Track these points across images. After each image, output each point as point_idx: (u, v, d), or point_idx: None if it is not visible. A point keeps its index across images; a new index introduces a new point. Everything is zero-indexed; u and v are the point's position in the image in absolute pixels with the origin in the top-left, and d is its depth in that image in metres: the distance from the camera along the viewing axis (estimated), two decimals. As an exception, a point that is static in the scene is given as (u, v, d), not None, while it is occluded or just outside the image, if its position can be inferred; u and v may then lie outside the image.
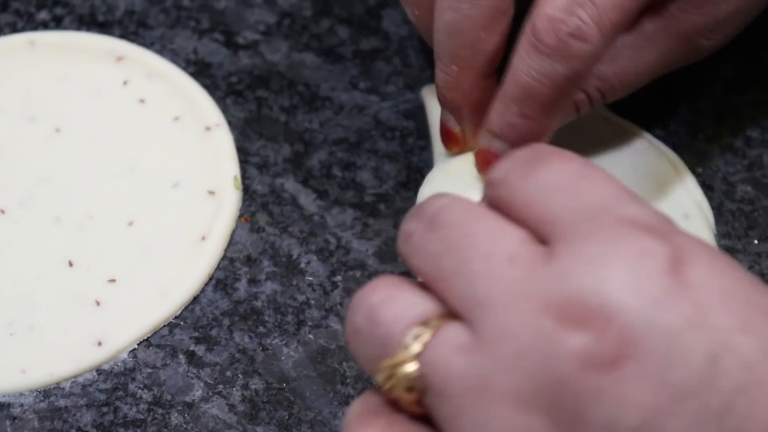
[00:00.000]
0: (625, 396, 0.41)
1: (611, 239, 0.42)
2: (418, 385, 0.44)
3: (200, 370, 0.60)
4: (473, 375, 0.42)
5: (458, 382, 0.43)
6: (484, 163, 0.59)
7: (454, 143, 0.61)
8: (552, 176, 0.45)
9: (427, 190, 0.62)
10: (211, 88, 0.70)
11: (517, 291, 0.43)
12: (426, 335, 0.44)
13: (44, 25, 0.72)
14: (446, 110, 0.60)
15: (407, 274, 0.62)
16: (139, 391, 0.60)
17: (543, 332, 0.42)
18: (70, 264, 0.64)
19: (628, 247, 0.42)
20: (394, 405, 0.45)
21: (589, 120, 0.65)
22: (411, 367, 0.44)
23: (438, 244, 0.45)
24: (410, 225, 0.47)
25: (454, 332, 0.43)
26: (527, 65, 0.55)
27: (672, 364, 0.40)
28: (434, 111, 0.65)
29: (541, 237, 0.44)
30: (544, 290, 0.42)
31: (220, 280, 0.63)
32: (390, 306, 0.45)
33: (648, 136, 0.66)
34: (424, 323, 0.44)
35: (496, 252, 0.44)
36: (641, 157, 0.65)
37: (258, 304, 0.62)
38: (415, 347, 0.44)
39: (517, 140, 0.57)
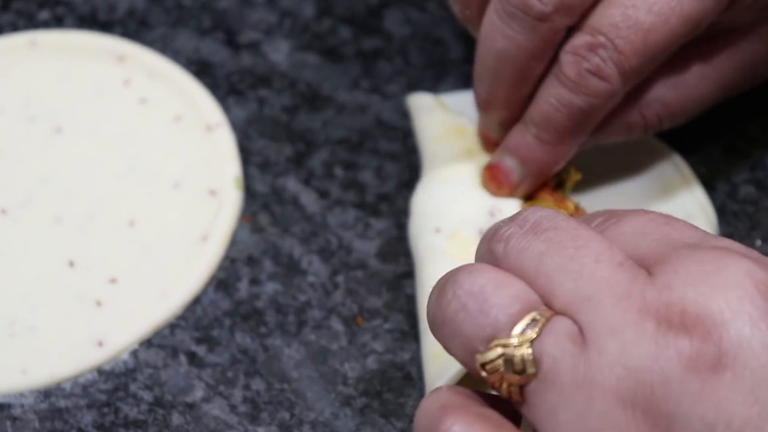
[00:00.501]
0: (721, 403, 0.42)
1: (710, 260, 0.44)
2: (530, 370, 0.45)
3: (201, 371, 0.60)
4: (581, 366, 0.44)
5: (567, 372, 0.44)
6: (491, 178, 0.61)
7: (494, 148, 0.62)
8: (635, 226, 0.47)
9: (421, 198, 0.62)
10: (213, 87, 0.69)
11: (624, 292, 0.44)
12: (541, 321, 0.45)
13: (45, 25, 0.72)
14: (485, 121, 0.62)
15: (409, 275, 0.62)
16: (140, 391, 0.60)
17: (647, 333, 0.43)
18: (71, 264, 0.63)
19: (727, 268, 0.44)
20: (478, 397, 0.47)
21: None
22: (527, 350, 0.45)
23: (543, 244, 0.46)
24: (507, 229, 0.48)
25: (564, 323, 0.45)
26: (548, 92, 0.58)
27: (765, 381, 0.42)
28: (421, 119, 0.65)
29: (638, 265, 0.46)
30: (647, 296, 0.44)
31: (222, 281, 0.63)
32: (501, 289, 0.46)
33: (651, 137, 0.65)
34: (537, 310, 0.45)
35: (605, 257, 0.45)
36: (644, 158, 0.65)
37: (259, 304, 0.62)
38: (530, 332, 0.45)
39: (529, 161, 0.60)
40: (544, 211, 0.48)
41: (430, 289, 0.59)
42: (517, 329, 0.45)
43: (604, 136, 0.61)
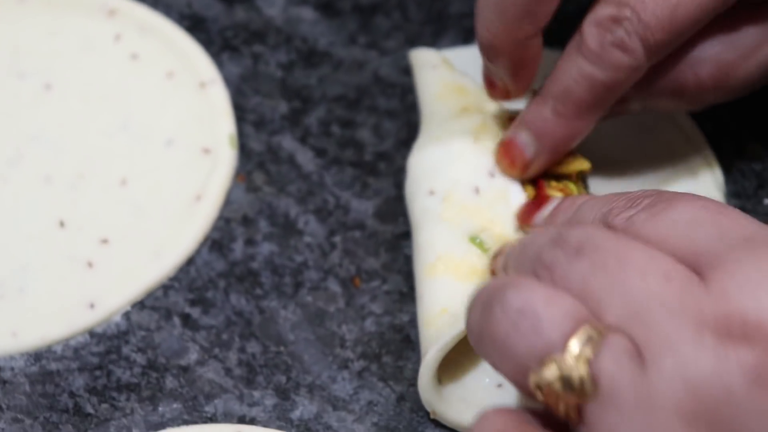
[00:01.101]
0: None
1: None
2: (588, 389, 0.43)
3: (195, 333, 0.60)
4: (640, 384, 0.43)
5: (627, 390, 0.43)
6: (505, 154, 0.59)
7: (499, 94, 0.60)
8: (687, 213, 0.46)
9: (416, 159, 0.61)
10: (206, 43, 0.68)
11: (676, 306, 0.43)
12: (596, 338, 0.44)
13: (34, -21, 0.71)
14: (489, 64, 0.59)
15: (408, 235, 0.61)
16: (133, 354, 0.59)
17: (706, 346, 0.42)
18: (61, 224, 0.62)
19: None
20: (532, 419, 0.46)
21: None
22: (584, 369, 0.43)
23: (587, 267, 0.45)
24: (550, 256, 0.47)
25: (620, 340, 0.43)
26: (569, 65, 0.56)
27: None
28: (422, 76, 0.64)
29: (689, 266, 0.45)
30: (703, 307, 0.43)
31: (216, 241, 0.62)
32: (552, 306, 0.45)
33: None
34: (591, 326, 0.44)
35: (650, 270, 0.44)
36: (648, 116, 0.64)
37: (255, 265, 0.61)
38: (586, 350, 0.43)
39: (545, 136, 0.58)
40: (584, 231, 0.47)
41: (426, 252, 0.58)
42: (573, 347, 0.44)
43: (652, 99, 0.58)
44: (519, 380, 0.45)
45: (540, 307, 0.45)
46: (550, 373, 0.44)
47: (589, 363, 0.43)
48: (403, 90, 0.67)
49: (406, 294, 0.60)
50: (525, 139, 0.58)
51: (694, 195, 0.47)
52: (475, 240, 0.57)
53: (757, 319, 0.42)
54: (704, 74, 0.57)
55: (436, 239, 0.58)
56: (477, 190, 0.59)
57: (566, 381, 0.43)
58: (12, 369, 0.59)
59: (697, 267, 0.44)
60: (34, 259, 0.61)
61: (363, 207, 0.63)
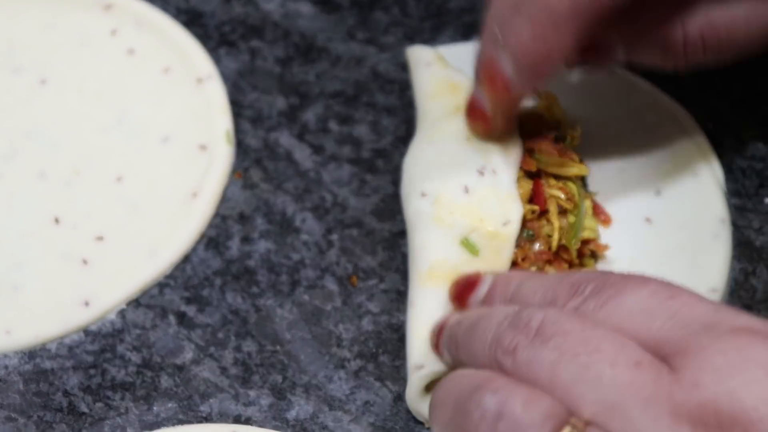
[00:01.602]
0: None
1: (734, 350, 0.43)
2: None
3: (191, 332, 0.59)
4: None
5: None
6: (485, 75, 0.58)
7: (482, 124, 0.60)
8: (638, 303, 0.46)
9: (409, 160, 0.61)
10: (203, 38, 0.68)
11: (649, 396, 0.43)
12: None
13: (30, -28, 0.71)
14: (480, 89, 0.59)
15: (404, 233, 0.61)
16: (128, 353, 0.59)
17: None
18: (56, 221, 0.62)
19: (754, 357, 0.43)
20: None
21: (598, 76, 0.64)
22: None
23: (553, 353, 0.46)
24: (512, 339, 0.47)
25: None
26: None
27: None
28: (418, 74, 0.64)
29: (653, 354, 0.45)
30: (676, 397, 0.43)
31: (212, 239, 0.62)
32: (531, 408, 0.45)
33: (656, 91, 0.64)
34: (569, 425, 0.44)
35: (621, 359, 0.44)
36: (649, 114, 0.64)
37: (251, 263, 0.61)
38: None
39: (524, 55, 0.56)
40: (543, 313, 0.47)
41: (419, 259, 0.58)
42: None
43: (639, 50, 0.58)
44: None
45: (519, 410, 0.45)
46: None
47: None
48: (401, 86, 0.66)
49: (404, 293, 0.60)
50: (503, 59, 0.57)
51: (639, 278, 0.47)
52: (466, 242, 0.57)
53: (731, 410, 0.42)
54: (692, 28, 0.57)
55: (429, 245, 0.58)
56: (466, 190, 0.58)
57: None
58: (6, 367, 0.58)
59: (662, 355, 0.45)
60: (29, 256, 0.61)
61: (361, 205, 0.63)
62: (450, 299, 0.56)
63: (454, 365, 0.53)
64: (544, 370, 0.45)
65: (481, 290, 0.54)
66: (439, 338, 0.54)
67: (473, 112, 0.59)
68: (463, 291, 0.55)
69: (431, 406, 0.49)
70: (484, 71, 0.58)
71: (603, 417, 0.44)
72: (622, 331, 0.46)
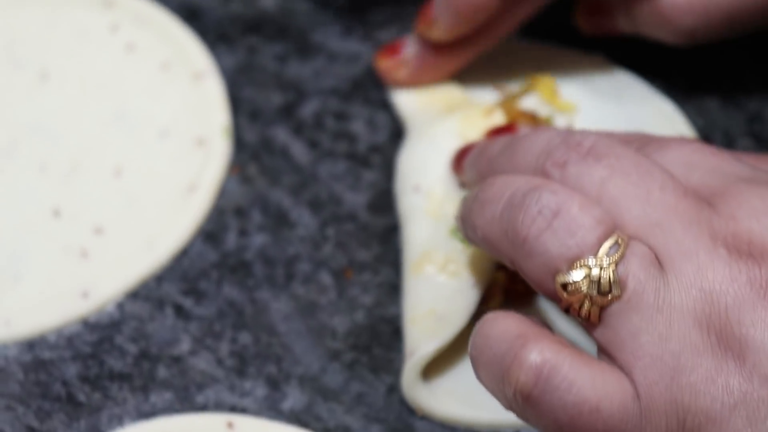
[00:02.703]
0: None
1: None
2: (615, 291, 0.46)
3: (188, 323, 0.60)
4: (661, 289, 0.45)
5: (650, 294, 0.45)
6: (420, 11, 0.60)
7: (425, 24, 0.61)
8: (683, 153, 0.49)
9: (403, 156, 0.61)
10: (202, 34, 0.68)
11: (692, 219, 0.46)
12: (622, 245, 0.46)
13: (31, -32, 0.71)
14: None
15: (398, 228, 0.61)
16: (126, 344, 0.59)
17: (720, 257, 0.45)
18: (56, 213, 0.63)
19: None
20: (544, 325, 0.48)
21: (589, 71, 0.64)
22: (612, 272, 0.46)
23: (605, 170, 0.48)
24: (563, 154, 0.49)
25: (642, 247, 0.46)
26: None
27: None
28: (400, 102, 0.64)
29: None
30: (716, 225, 0.46)
31: (209, 232, 0.62)
32: (586, 210, 0.47)
33: (647, 88, 0.65)
34: (616, 233, 0.46)
35: (669, 185, 0.47)
36: (639, 109, 0.64)
37: (247, 256, 0.62)
38: (615, 255, 0.46)
39: None
40: (598, 136, 0.49)
41: (411, 249, 0.58)
42: (603, 250, 0.46)
43: (637, 18, 0.60)
44: (544, 281, 0.47)
45: (575, 211, 0.47)
46: (579, 274, 0.46)
47: (617, 266, 0.46)
48: (396, 83, 0.67)
49: (398, 286, 0.60)
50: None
51: (684, 138, 0.50)
52: (455, 232, 0.57)
53: (763, 242, 0.45)
54: None
55: (421, 235, 0.58)
56: (460, 184, 0.59)
57: (594, 282, 0.46)
58: (5, 357, 0.59)
59: (702, 197, 0.47)
60: (28, 247, 0.62)
61: (356, 199, 0.63)
62: (452, 164, 0.58)
63: (472, 183, 0.55)
64: (594, 183, 0.48)
65: (489, 147, 0.56)
66: (462, 158, 0.56)
67: (388, 48, 0.62)
68: (463, 154, 0.58)
69: (466, 207, 0.52)
70: (421, 9, 0.61)
71: (646, 232, 0.46)
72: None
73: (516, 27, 0.62)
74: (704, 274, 0.45)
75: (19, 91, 0.66)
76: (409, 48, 0.62)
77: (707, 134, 0.64)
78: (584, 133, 0.50)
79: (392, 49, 0.63)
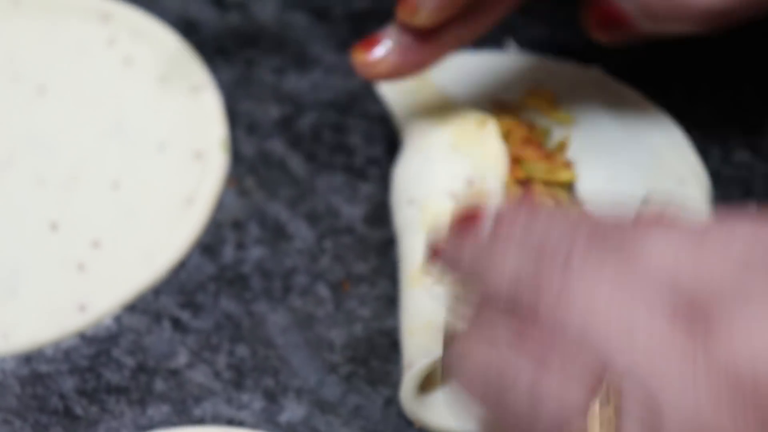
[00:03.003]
0: None
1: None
2: None
3: (185, 336, 0.60)
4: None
5: None
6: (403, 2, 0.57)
7: (408, 10, 0.58)
8: (668, 242, 0.44)
9: (398, 169, 0.61)
10: (199, 47, 0.68)
11: (688, 352, 0.41)
12: (613, 399, 0.42)
13: (29, -18, 0.71)
14: None
15: (395, 241, 0.61)
16: (123, 357, 0.59)
17: (722, 404, 0.41)
18: (53, 227, 0.63)
19: None
20: None
21: (585, 84, 0.64)
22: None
23: (582, 304, 0.43)
24: (530, 295, 0.44)
25: (636, 393, 0.42)
26: None
27: None
28: (392, 101, 0.64)
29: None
30: (714, 355, 0.41)
31: (207, 245, 0.62)
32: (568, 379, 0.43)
33: (643, 99, 0.65)
34: (603, 391, 0.42)
35: (656, 304, 0.43)
36: (636, 121, 0.64)
37: (245, 269, 0.62)
38: (608, 411, 0.42)
39: None
40: (567, 259, 0.44)
41: (407, 262, 0.58)
42: (594, 411, 0.42)
43: (653, 16, 0.57)
44: None
45: (540, 390, 0.43)
46: None
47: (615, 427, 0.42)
48: (394, 96, 0.67)
49: (395, 299, 0.60)
50: None
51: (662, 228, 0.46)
52: None
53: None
54: None
55: (416, 248, 0.58)
56: (454, 196, 0.59)
57: None
58: (3, 371, 0.59)
59: (695, 305, 0.42)
60: (26, 261, 0.62)
61: (353, 212, 0.63)
62: (428, 257, 0.53)
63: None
64: (574, 322, 0.43)
65: (485, 227, 0.49)
66: (434, 259, 0.51)
67: (365, 42, 0.59)
68: (462, 226, 0.50)
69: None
70: None
71: (638, 369, 0.42)
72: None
73: (500, 16, 0.59)
74: (704, 422, 0.41)
75: (17, 104, 0.66)
76: (388, 40, 0.58)
77: (704, 146, 0.64)
78: (555, 256, 0.44)
79: (370, 42, 0.59)
